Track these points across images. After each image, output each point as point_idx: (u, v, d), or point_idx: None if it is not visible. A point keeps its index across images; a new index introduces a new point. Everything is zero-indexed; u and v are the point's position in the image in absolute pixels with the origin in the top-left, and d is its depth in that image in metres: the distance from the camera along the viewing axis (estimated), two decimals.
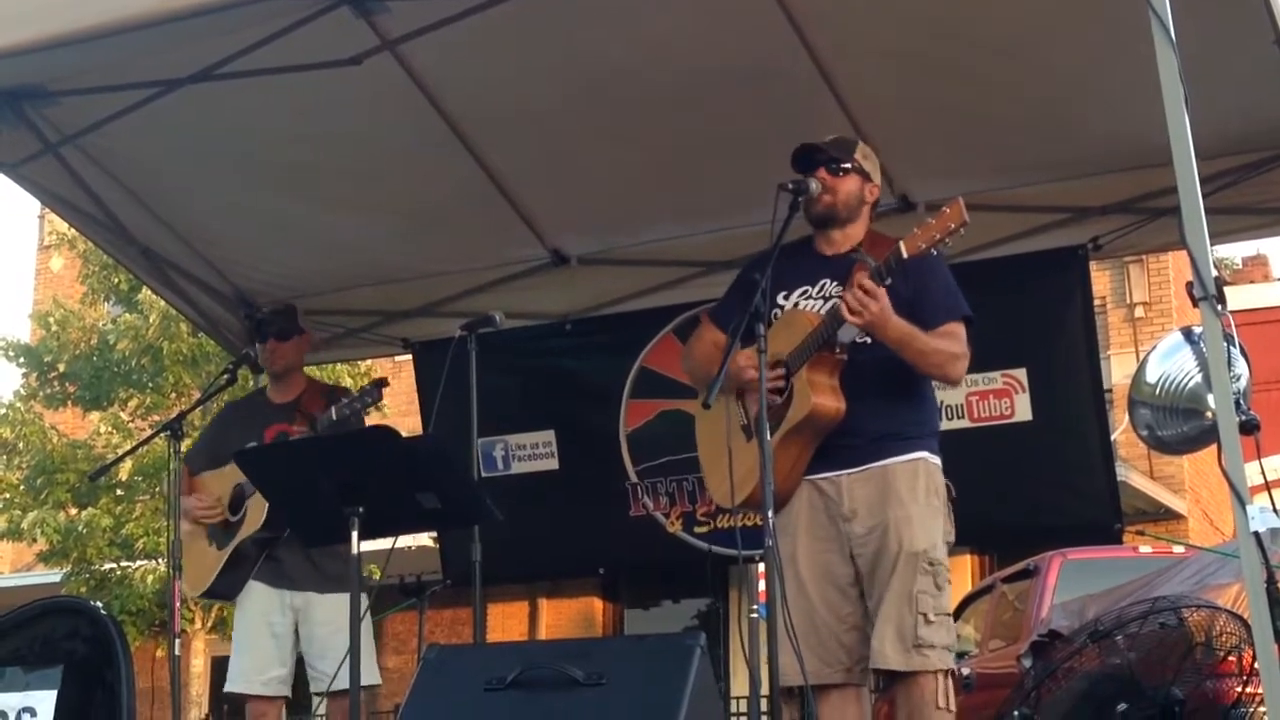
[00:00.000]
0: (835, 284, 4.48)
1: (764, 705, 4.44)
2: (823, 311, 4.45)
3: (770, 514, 4.03)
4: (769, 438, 4.11)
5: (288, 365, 5.73)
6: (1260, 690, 4.28)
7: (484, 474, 6.54)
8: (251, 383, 6.71)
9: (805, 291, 4.54)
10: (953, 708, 4.31)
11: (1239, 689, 5.09)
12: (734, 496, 4.48)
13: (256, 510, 5.36)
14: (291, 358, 5.74)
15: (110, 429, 15.66)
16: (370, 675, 5.38)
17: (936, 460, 4.49)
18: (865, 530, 4.37)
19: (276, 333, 5.71)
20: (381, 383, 5.41)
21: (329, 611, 5.30)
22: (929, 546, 4.33)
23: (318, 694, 5.37)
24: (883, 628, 4.29)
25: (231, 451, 5.48)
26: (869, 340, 4.38)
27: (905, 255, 4.25)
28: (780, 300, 4.53)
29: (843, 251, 4.56)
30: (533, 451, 7.07)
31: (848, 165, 4.55)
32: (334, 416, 5.32)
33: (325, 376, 12.82)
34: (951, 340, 4.44)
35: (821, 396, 4.38)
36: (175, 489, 5.38)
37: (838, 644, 4.39)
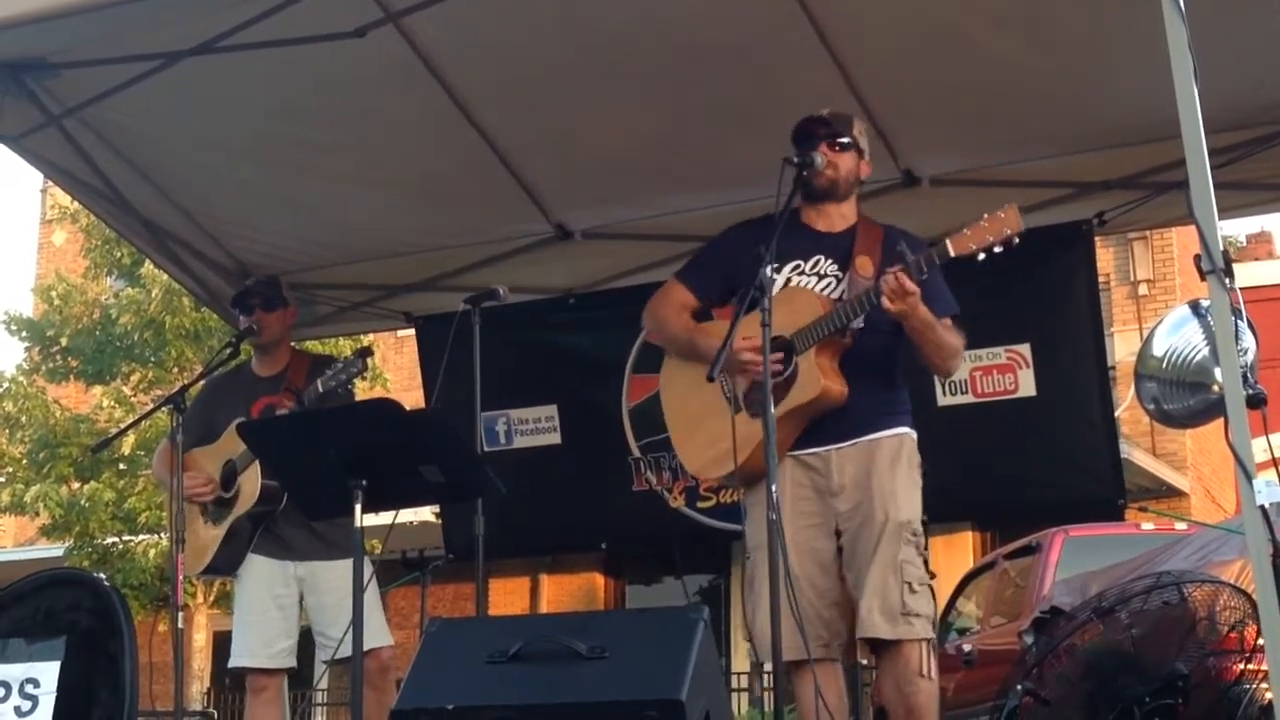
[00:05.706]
0: (831, 262, 4.51)
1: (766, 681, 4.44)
2: (828, 292, 4.47)
3: (774, 488, 4.03)
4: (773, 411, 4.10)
5: (273, 337, 5.67)
6: (1263, 667, 4.28)
7: (486, 448, 6.50)
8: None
9: (798, 267, 4.54)
10: (935, 676, 4.35)
11: (1241, 665, 5.09)
12: (712, 469, 4.57)
13: (250, 486, 5.34)
14: (277, 330, 5.68)
15: (113, 403, 15.68)
16: (384, 637, 5.39)
17: (915, 435, 4.56)
18: (852, 505, 4.41)
19: (262, 304, 5.66)
20: (366, 352, 5.35)
21: (336, 578, 5.26)
22: (912, 517, 4.39)
23: (326, 662, 5.36)
24: (870, 597, 4.30)
25: (219, 426, 5.49)
26: (861, 324, 4.40)
27: (952, 254, 4.24)
28: (770, 273, 4.50)
29: (837, 230, 4.57)
30: (535, 426, 7.05)
31: (847, 140, 4.56)
32: (320, 389, 5.28)
33: (329, 351, 12.84)
34: (957, 336, 4.51)
35: (830, 381, 4.41)
36: (178, 460, 5.36)
37: (819, 620, 4.39)
